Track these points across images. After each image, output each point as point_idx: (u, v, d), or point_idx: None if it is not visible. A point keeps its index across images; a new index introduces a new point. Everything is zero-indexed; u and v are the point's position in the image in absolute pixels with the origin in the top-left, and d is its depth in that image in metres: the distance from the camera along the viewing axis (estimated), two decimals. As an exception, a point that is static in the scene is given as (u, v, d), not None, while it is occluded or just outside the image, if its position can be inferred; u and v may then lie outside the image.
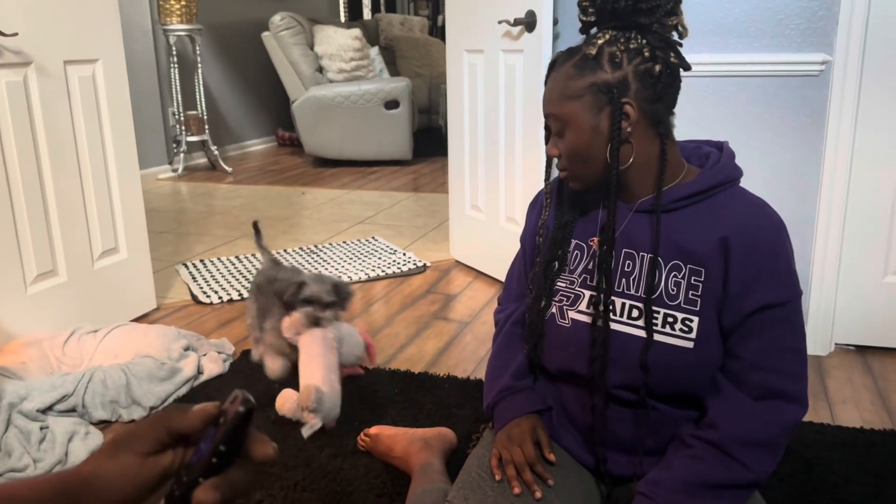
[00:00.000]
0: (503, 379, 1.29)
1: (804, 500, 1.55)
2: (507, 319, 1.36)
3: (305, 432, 1.68)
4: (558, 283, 1.22)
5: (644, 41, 1.09)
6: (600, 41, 1.10)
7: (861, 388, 2.06)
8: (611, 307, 1.16)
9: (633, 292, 1.15)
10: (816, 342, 2.27)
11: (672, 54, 1.11)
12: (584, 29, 1.16)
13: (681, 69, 1.12)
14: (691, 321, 1.11)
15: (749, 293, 1.09)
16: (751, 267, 1.08)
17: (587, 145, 1.12)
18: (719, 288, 1.10)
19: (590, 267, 1.19)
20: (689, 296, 1.11)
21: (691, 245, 1.12)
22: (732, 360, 1.11)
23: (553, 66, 1.16)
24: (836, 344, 2.32)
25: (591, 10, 1.13)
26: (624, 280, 1.15)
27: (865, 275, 2.24)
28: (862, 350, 2.30)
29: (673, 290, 1.12)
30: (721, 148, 1.22)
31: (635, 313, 1.14)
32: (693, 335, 1.11)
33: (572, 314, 1.19)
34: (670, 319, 1.11)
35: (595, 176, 1.15)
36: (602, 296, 1.15)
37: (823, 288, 2.25)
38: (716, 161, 1.18)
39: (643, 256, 1.14)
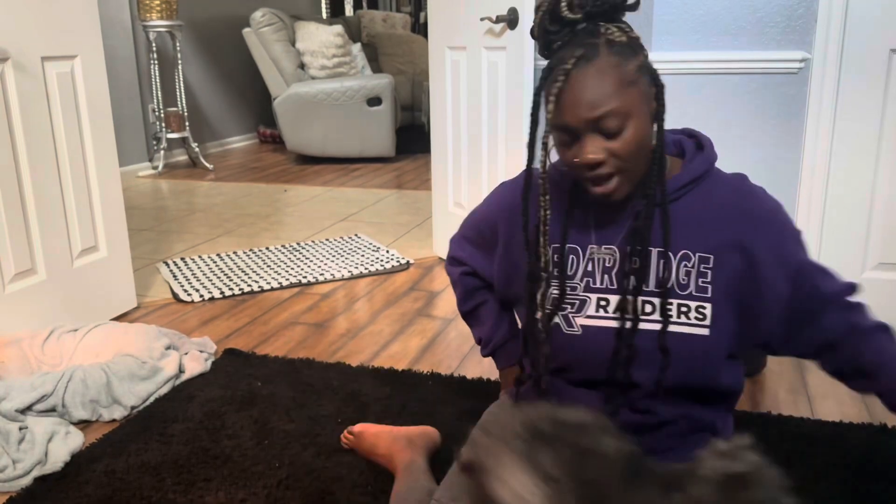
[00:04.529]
0: (503, 325, 1.43)
1: (785, 494, 1.57)
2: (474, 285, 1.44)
3: None
4: (554, 291, 1.18)
5: (627, 29, 1.10)
6: (612, 30, 1.06)
7: (840, 383, 2.08)
8: (621, 304, 1.14)
9: (644, 288, 1.14)
10: (796, 337, 2.29)
11: None
12: (561, 27, 1.08)
13: None
14: (704, 308, 1.13)
15: (783, 256, 1.14)
16: (771, 235, 1.14)
17: (648, 134, 1.07)
18: (738, 270, 1.13)
19: (589, 269, 1.16)
20: (700, 283, 1.13)
21: (696, 233, 1.13)
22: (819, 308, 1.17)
23: (578, 64, 1.03)
24: (815, 339, 2.34)
25: (578, 7, 1.06)
26: (633, 278, 1.14)
27: (844, 270, 2.26)
28: (841, 345, 2.32)
29: (684, 280, 1.13)
30: (690, 135, 1.23)
31: (648, 308, 1.13)
32: (708, 322, 1.13)
33: (581, 320, 1.16)
34: (684, 309, 1.13)
35: (644, 169, 1.10)
36: (631, 297, 1.13)
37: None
38: (696, 148, 1.19)
39: (650, 251, 1.14)
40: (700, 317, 1.12)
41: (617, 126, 1.04)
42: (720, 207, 1.15)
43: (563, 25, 1.07)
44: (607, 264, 1.16)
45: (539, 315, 1.18)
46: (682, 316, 1.13)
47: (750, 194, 1.17)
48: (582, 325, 1.16)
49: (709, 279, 1.13)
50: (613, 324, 1.14)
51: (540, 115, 1.12)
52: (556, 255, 1.18)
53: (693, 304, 1.12)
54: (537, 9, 1.10)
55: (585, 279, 1.17)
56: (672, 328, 1.12)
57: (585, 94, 1.03)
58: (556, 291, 1.18)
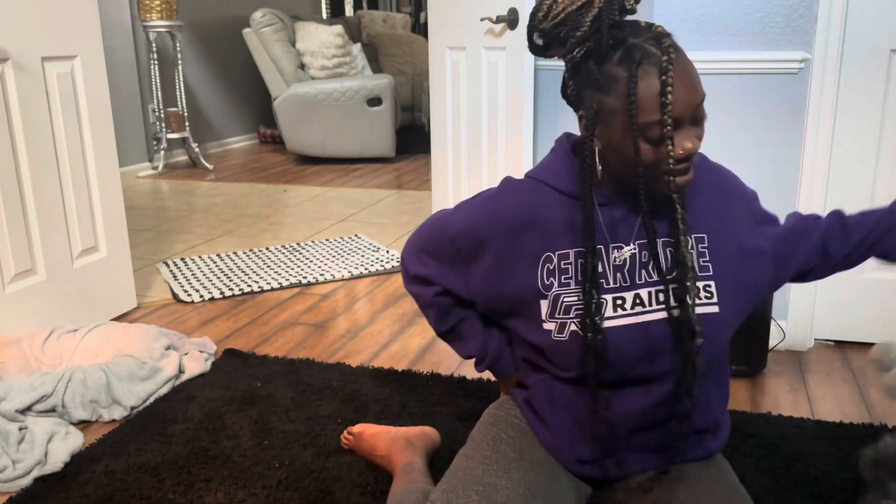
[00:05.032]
0: (493, 338, 1.37)
1: (785, 494, 1.57)
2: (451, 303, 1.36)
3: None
4: (567, 299, 1.17)
5: None
6: (655, 23, 1.08)
7: (840, 383, 2.09)
8: (637, 300, 1.15)
9: (655, 278, 1.15)
10: (796, 337, 2.29)
11: None
12: (624, 21, 1.05)
13: None
14: (710, 286, 1.15)
15: (755, 215, 1.23)
16: (743, 203, 1.22)
17: None
18: (730, 242, 1.17)
19: (600, 270, 1.16)
20: (701, 263, 1.16)
21: (688, 216, 1.16)
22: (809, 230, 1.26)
23: (676, 53, 1.03)
24: (815, 339, 2.34)
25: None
26: (643, 271, 1.15)
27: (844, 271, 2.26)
28: (841, 345, 2.32)
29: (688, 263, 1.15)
30: None
31: (662, 297, 1.14)
32: (715, 299, 1.15)
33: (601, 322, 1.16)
34: (693, 291, 1.14)
35: None
36: (686, 286, 1.13)
37: (803, 284, 2.27)
38: None
39: (657, 242, 1.15)
40: (708, 295, 1.15)
41: (704, 112, 1.07)
42: (702, 189, 1.19)
43: (627, 17, 1.05)
44: (617, 263, 1.15)
45: (552, 325, 1.17)
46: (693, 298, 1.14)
47: (718, 171, 1.23)
48: (603, 328, 1.15)
49: (707, 258, 1.16)
50: (631, 320, 1.15)
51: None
52: (562, 262, 1.16)
53: (700, 284, 1.15)
54: (585, 6, 1.04)
55: (599, 281, 1.16)
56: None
57: (691, 81, 1.03)
58: (571, 299, 1.16)
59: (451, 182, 3.09)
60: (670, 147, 1.03)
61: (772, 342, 2.28)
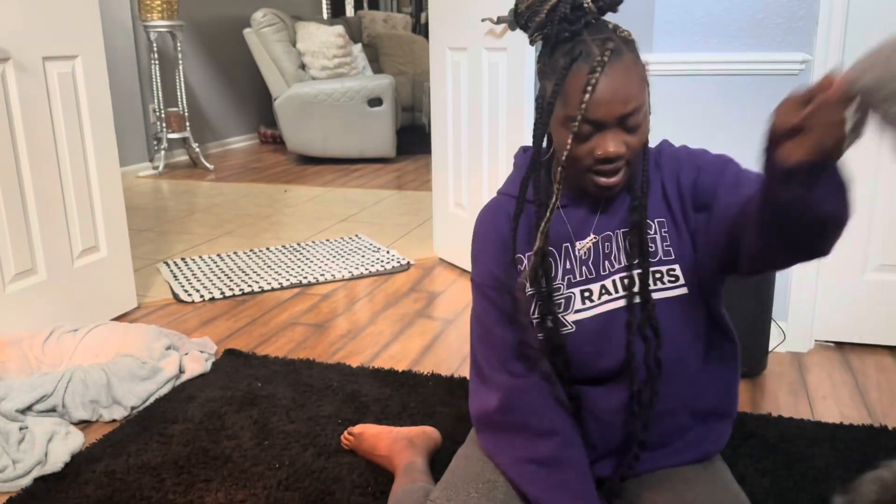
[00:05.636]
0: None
1: (785, 495, 1.57)
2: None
3: None
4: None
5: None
6: (621, 28, 1.09)
7: (840, 384, 2.09)
8: (604, 290, 1.17)
9: (618, 266, 1.17)
10: (797, 338, 2.29)
11: None
12: (579, 18, 1.06)
13: None
14: (674, 270, 1.16)
15: (708, 180, 1.15)
16: (690, 171, 1.16)
17: (648, 128, 1.11)
18: (683, 221, 1.16)
19: (568, 266, 1.19)
20: (664, 247, 1.16)
21: (648, 203, 1.17)
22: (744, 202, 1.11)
23: (611, 58, 1.04)
24: (815, 340, 2.34)
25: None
26: (606, 262, 1.18)
27: (845, 272, 2.26)
28: (841, 346, 2.32)
29: (651, 248, 1.16)
30: None
31: (626, 282, 1.16)
32: (682, 281, 1.16)
33: (571, 316, 1.18)
34: (658, 275, 1.16)
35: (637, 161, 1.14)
36: (640, 271, 1.14)
37: (804, 285, 2.27)
38: None
39: (618, 233, 1.17)
40: (673, 279, 1.16)
41: (638, 121, 1.07)
42: (662, 176, 1.18)
43: (582, 16, 1.06)
44: (583, 257, 1.18)
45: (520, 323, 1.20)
46: (658, 283, 1.16)
47: (673, 155, 1.20)
48: (573, 321, 1.18)
49: (669, 242, 1.17)
50: (599, 310, 1.17)
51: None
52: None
53: (664, 269, 1.16)
54: None
55: (567, 277, 1.19)
56: (654, 296, 1.15)
57: (621, 89, 1.04)
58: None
59: (452, 182, 3.09)
60: (592, 145, 1.07)
61: (772, 343, 2.28)
